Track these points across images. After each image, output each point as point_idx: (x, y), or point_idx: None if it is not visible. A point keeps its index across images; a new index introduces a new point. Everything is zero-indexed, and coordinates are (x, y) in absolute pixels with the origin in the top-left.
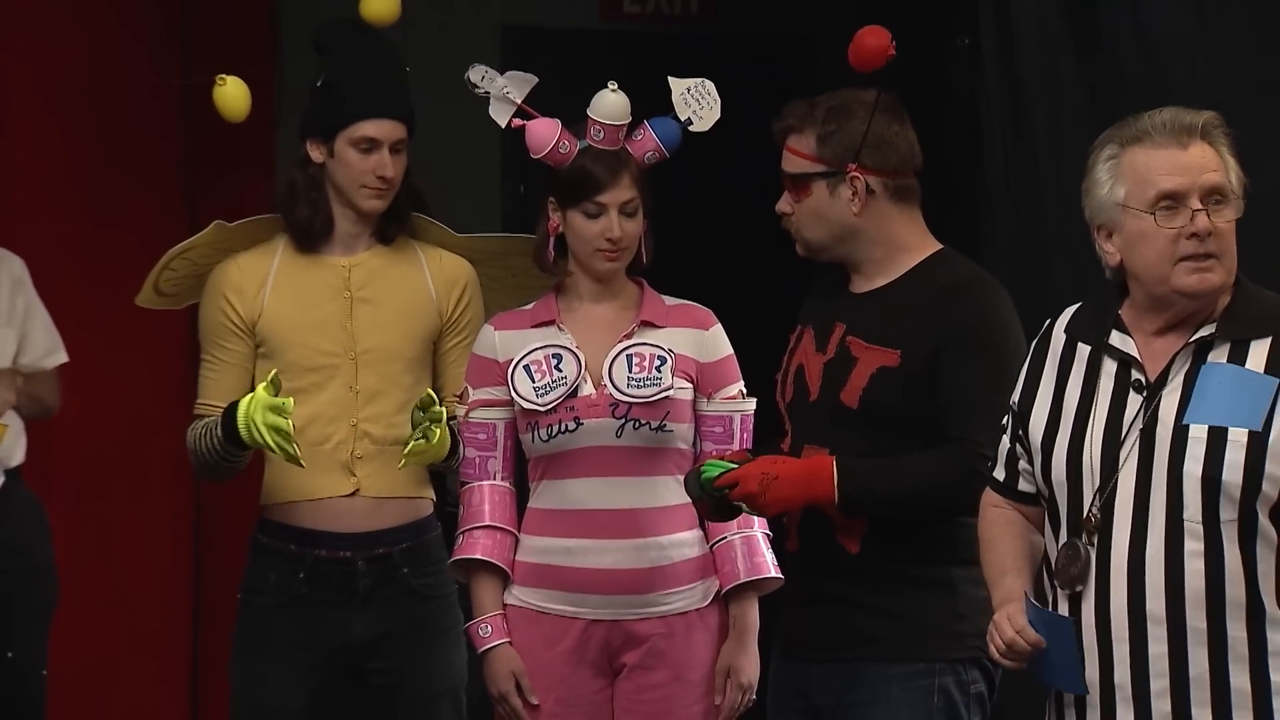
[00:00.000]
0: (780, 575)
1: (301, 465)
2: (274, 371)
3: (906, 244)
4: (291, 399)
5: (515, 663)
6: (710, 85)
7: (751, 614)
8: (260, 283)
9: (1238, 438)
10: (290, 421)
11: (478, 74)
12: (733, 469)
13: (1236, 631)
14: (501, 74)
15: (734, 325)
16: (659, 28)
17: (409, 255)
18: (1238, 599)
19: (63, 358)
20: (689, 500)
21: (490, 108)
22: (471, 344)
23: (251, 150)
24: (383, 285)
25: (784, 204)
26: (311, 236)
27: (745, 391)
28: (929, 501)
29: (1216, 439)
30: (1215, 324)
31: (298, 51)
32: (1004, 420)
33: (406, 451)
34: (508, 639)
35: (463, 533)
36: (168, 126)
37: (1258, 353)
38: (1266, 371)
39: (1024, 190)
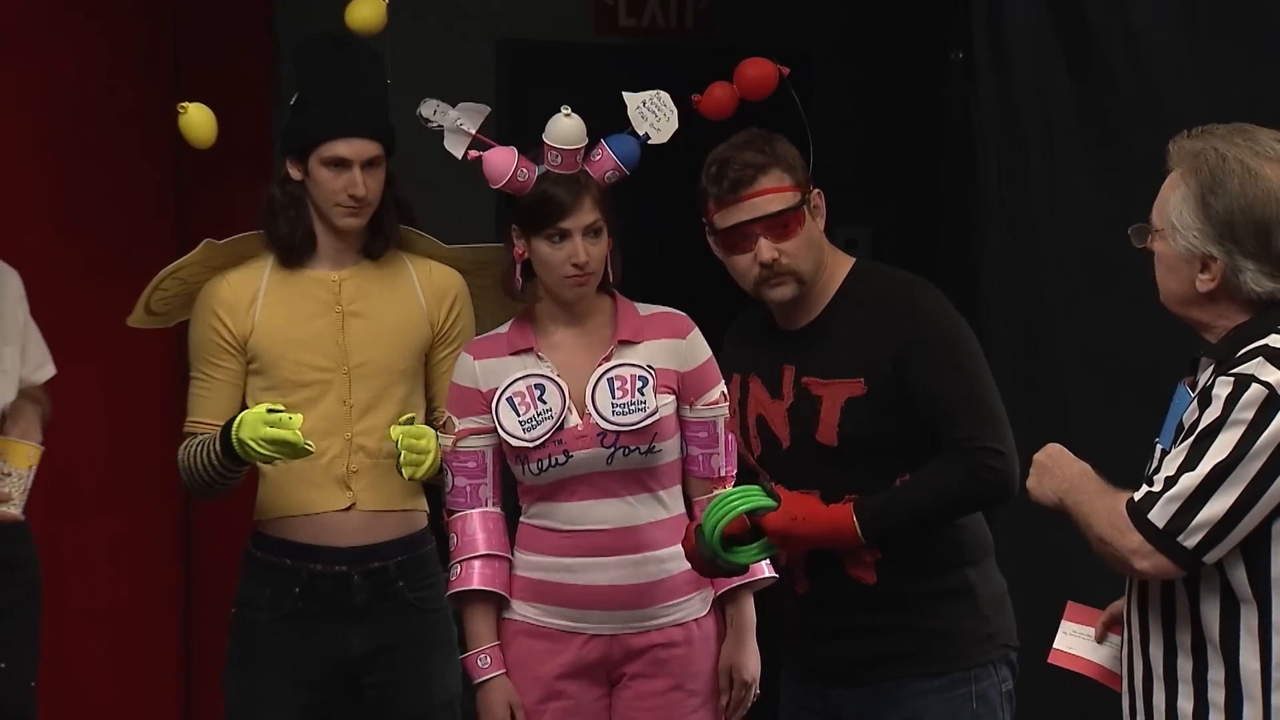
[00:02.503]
0: (774, 574)
1: (311, 451)
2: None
3: (832, 262)
4: (281, 405)
5: (512, 694)
6: (665, 96)
7: (748, 611)
8: (251, 299)
9: (1159, 455)
10: (287, 415)
11: (429, 108)
12: (758, 508)
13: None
14: (453, 106)
15: (719, 336)
16: (654, 41)
17: (398, 267)
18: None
19: (52, 370)
20: (678, 512)
21: (445, 141)
22: None
23: (248, 165)
24: (373, 298)
25: (768, 252)
26: (293, 253)
27: (726, 392)
28: (953, 510)
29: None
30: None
31: (295, 66)
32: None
33: (403, 462)
34: (504, 670)
35: (459, 563)
36: (162, 141)
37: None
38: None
39: (1016, 205)
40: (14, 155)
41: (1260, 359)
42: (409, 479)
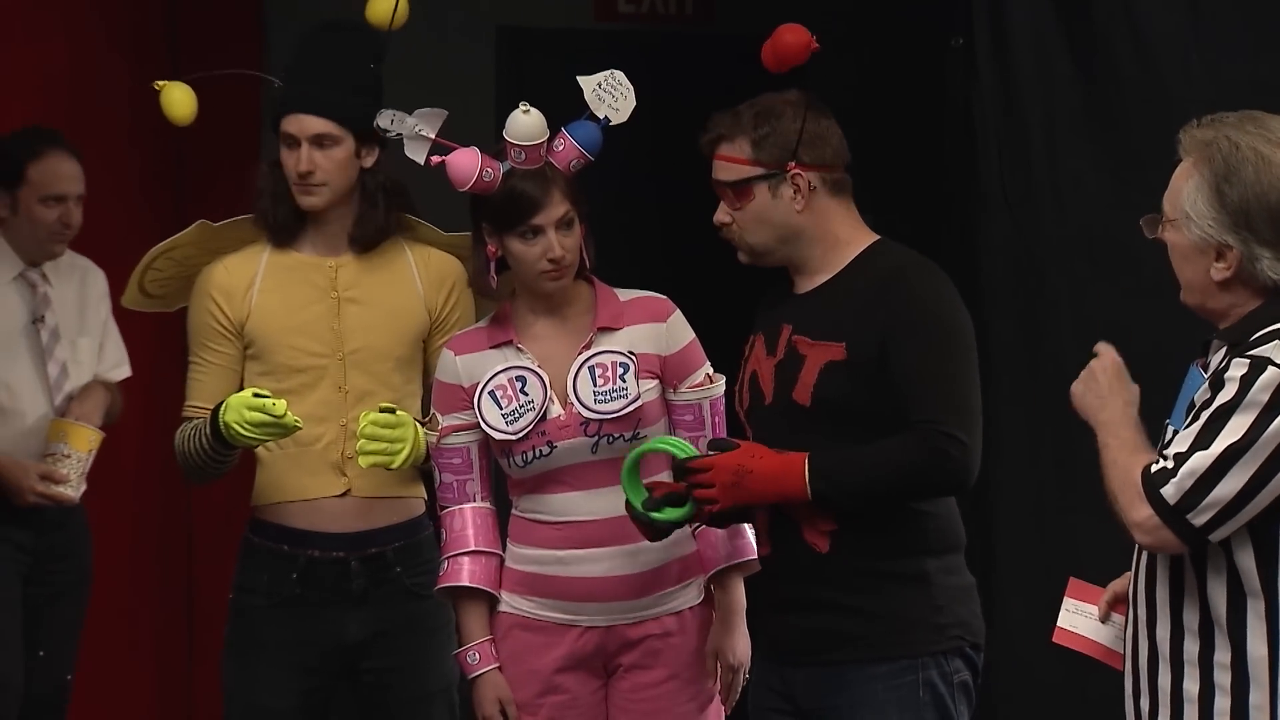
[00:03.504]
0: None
1: (300, 426)
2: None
3: (845, 238)
4: (266, 391)
5: (502, 689)
6: (620, 75)
7: (735, 595)
8: (248, 284)
9: (1170, 435)
10: (271, 401)
11: (386, 119)
12: (695, 455)
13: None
14: (410, 114)
15: (721, 323)
16: (654, 28)
17: (396, 254)
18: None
19: (127, 371)
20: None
21: (406, 148)
22: None
23: (239, 150)
24: (370, 285)
25: (722, 214)
26: (278, 231)
27: (712, 373)
28: (902, 487)
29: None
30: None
31: (284, 52)
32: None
33: (359, 449)
34: (496, 665)
35: (448, 559)
36: (156, 127)
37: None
38: (1209, 377)
39: (1018, 192)
40: None
41: (1278, 342)
42: (365, 467)
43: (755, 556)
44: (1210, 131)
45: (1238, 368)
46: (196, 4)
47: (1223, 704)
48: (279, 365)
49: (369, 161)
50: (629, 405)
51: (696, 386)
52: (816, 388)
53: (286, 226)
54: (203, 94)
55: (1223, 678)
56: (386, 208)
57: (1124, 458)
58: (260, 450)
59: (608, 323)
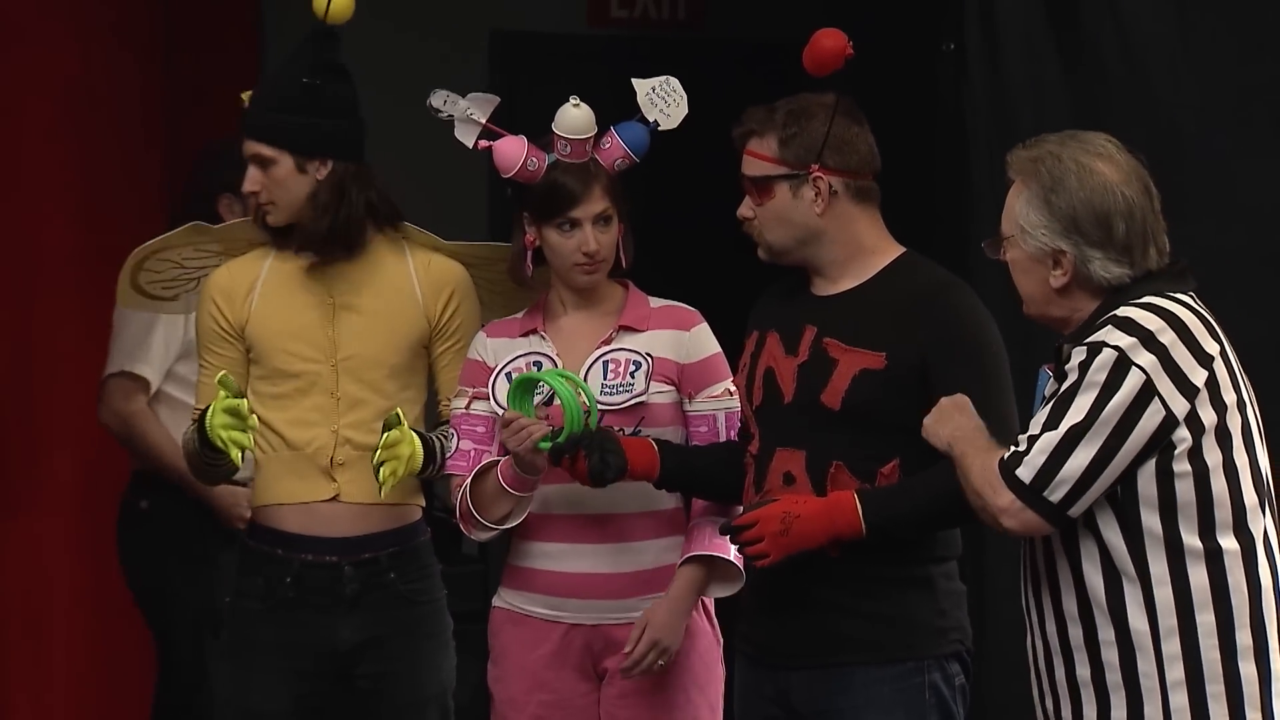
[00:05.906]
0: (734, 562)
1: (250, 448)
2: (222, 373)
3: (870, 245)
4: (245, 401)
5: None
6: (675, 82)
7: (689, 584)
8: (249, 288)
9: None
10: (251, 418)
11: (439, 99)
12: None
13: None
14: (463, 96)
15: (719, 326)
16: (646, 33)
17: (397, 261)
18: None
19: None
20: (672, 505)
21: (456, 130)
22: (465, 349)
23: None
24: (368, 292)
25: (745, 209)
26: (273, 234)
27: (732, 389)
28: (956, 513)
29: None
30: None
31: (281, 55)
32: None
33: (381, 480)
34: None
35: (458, 498)
36: (151, 130)
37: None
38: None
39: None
40: (29, 148)
41: (1110, 326)
42: (390, 487)
43: (728, 558)
44: (1035, 150)
45: (1077, 355)
46: (193, 3)
47: (1114, 679)
48: (274, 370)
49: (322, 173)
50: (631, 400)
51: (713, 398)
52: (849, 393)
53: (280, 230)
54: (204, 93)
55: (1110, 655)
56: (348, 216)
57: (980, 458)
58: (256, 453)
59: (632, 323)
